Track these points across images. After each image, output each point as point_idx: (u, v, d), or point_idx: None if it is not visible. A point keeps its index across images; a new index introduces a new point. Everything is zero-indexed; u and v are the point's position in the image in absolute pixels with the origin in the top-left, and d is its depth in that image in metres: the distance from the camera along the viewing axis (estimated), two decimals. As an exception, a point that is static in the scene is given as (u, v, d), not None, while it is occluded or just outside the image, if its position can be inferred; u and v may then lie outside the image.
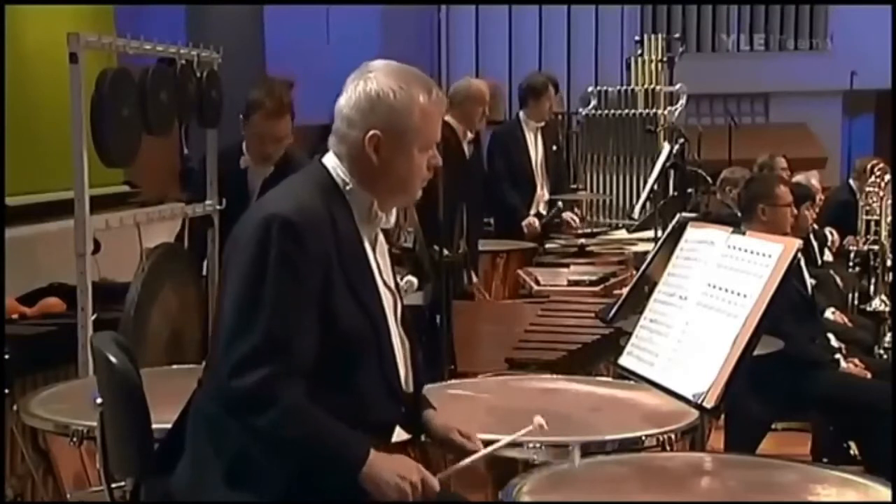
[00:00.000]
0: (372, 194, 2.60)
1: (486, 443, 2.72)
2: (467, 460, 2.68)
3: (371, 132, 2.54)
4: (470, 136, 6.72)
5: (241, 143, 4.82)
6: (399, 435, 2.72)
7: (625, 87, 8.34)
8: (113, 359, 2.72)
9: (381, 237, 2.71)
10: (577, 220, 7.37)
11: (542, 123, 7.21)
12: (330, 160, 2.62)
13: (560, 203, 7.24)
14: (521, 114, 7.24)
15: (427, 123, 2.58)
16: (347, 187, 2.59)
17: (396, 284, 2.76)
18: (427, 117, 2.58)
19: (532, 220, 6.92)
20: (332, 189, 2.58)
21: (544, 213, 7.19)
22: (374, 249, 2.65)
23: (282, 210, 2.46)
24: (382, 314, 2.61)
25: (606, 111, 8.20)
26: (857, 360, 5.11)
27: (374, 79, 2.56)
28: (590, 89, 8.47)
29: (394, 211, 2.70)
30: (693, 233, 3.10)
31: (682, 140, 5.78)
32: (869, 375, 5.06)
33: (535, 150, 7.17)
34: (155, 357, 4.22)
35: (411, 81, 2.58)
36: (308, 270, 2.44)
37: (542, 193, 7.17)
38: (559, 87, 7.51)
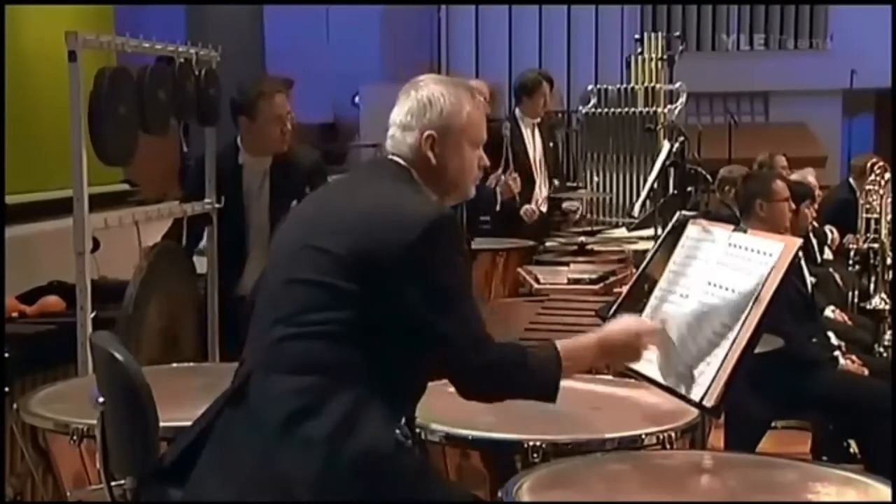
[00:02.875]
0: (434, 193, 2.78)
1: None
2: None
3: (427, 133, 2.76)
4: None
5: (235, 141, 4.84)
6: None
7: (625, 86, 8.34)
8: (118, 356, 2.72)
9: None
10: (577, 204, 7.35)
11: (538, 120, 7.20)
12: (396, 158, 2.79)
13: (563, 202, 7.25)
14: (517, 111, 7.24)
15: (475, 121, 2.82)
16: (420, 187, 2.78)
17: None
18: (474, 116, 2.81)
19: (532, 208, 6.91)
20: (416, 184, 2.77)
21: (543, 210, 7.18)
22: None
23: (437, 208, 2.66)
24: None
25: (606, 109, 8.20)
26: (853, 357, 5.11)
27: (424, 87, 2.80)
28: (590, 88, 8.47)
29: None
30: (694, 231, 3.10)
31: (681, 138, 5.76)
32: (866, 371, 5.06)
33: (533, 146, 7.17)
34: (152, 355, 4.22)
35: (458, 87, 2.84)
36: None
37: (541, 191, 7.16)
38: (553, 83, 7.49)
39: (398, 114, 2.80)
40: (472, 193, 2.91)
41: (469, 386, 2.69)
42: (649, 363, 2.92)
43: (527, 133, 7.14)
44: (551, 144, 7.31)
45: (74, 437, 3.02)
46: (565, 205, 7.33)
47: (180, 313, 4.57)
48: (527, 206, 6.89)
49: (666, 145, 6.20)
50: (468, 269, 2.77)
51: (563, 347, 2.75)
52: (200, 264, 4.91)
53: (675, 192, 6.23)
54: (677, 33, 10.09)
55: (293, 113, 4.81)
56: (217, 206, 4.80)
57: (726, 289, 2.82)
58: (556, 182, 7.33)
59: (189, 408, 2.88)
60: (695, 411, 2.89)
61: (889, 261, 7.08)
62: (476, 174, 2.88)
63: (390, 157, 2.80)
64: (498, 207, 6.60)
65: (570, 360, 2.75)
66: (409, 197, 2.70)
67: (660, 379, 2.87)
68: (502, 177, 6.63)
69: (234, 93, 4.80)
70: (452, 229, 2.67)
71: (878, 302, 6.86)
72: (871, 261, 7.22)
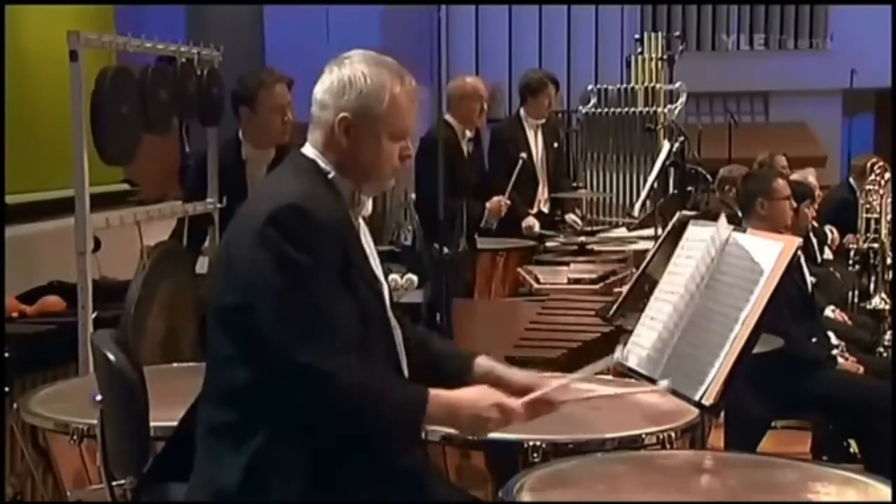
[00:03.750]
0: (350, 180, 2.64)
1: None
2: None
3: (341, 115, 2.60)
4: (469, 134, 6.71)
5: (236, 135, 4.85)
6: None
7: (625, 86, 8.33)
8: (112, 357, 2.72)
9: (363, 225, 2.75)
10: (580, 222, 7.35)
11: (542, 120, 7.20)
12: (309, 150, 2.66)
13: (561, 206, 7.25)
14: (522, 111, 7.24)
15: (397, 111, 2.62)
16: (330, 175, 2.63)
17: (384, 273, 2.81)
18: (397, 105, 2.62)
19: (532, 223, 6.91)
20: (320, 176, 2.62)
21: (546, 211, 7.18)
22: (361, 235, 2.70)
23: (290, 199, 2.49)
24: (383, 297, 2.68)
25: (606, 109, 8.19)
26: (846, 355, 5.11)
27: (348, 65, 2.63)
28: (590, 87, 8.46)
29: (370, 200, 2.74)
30: (694, 231, 3.11)
31: (681, 138, 5.79)
32: (861, 369, 5.06)
33: (537, 147, 7.16)
34: (154, 355, 4.22)
35: (384, 69, 2.63)
36: (329, 252, 2.48)
37: (543, 191, 7.16)
38: (559, 85, 7.49)
39: (318, 90, 2.64)
40: (390, 185, 2.74)
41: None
42: (651, 362, 2.92)
43: (530, 134, 7.14)
44: (555, 145, 7.30)
45: (74, 437, 3.03)
46: (568, 218, 7.32)
47: (181, 313, 4.57)
48: (527, 220, 6.88)
49: (666, 145, 6.22)
50: (325, 260, 2.48)
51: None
52: (203, 264, 4.92)
53: (675, 191, 6.25)
54: (677, 33, 10.08)
55: (293, 104, 4.82)
56: (219, 205, 4.81)
57: (725, 288, 2.82)
58: (561, 184, 7.34)
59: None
60: (695, 411, 2.89)
61: (889, 261, 7.08)
62: (395, 166, 2.68)
63: (302, 152, 2.66)
64: (482, 224, 6.61)
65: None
66: (285, 186, 2.57)
67: (659, 378, 2.87)
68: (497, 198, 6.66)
69: (235, 86, 4.81)
70: (297, 217, 2.46)
71: (879, 302, 6.86)
72: (871, 261, 7.22)
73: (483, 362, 2.83)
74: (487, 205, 6.70)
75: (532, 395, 2.65)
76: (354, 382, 2.44)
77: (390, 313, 2.71)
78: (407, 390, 2.57)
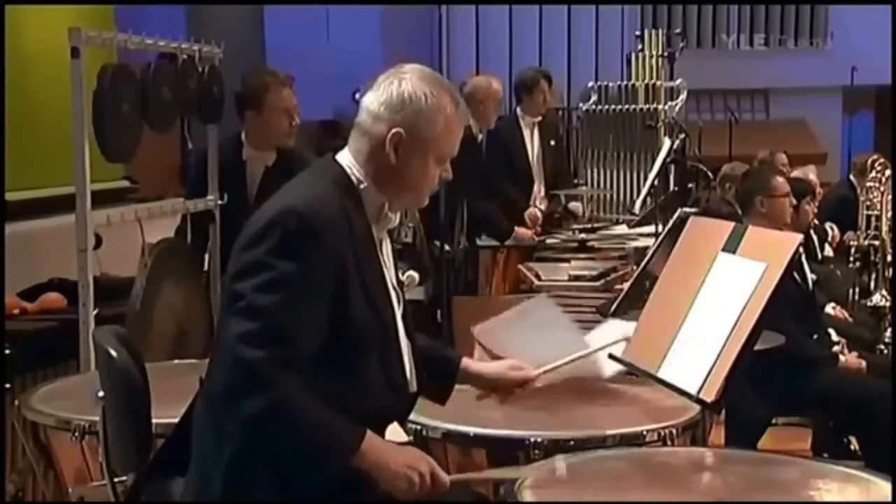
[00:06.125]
0: (383, 194, 2.61)
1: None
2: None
3: (395, 130, 2.56)
4: (482, 134, 6.71)
5: (238, 136, 4.84)
6: (399, 435, 2.74)
7: (625, 83, 8.33)
8: (113, 353, 2.73)
9: (386, 237, 2.73)
10: (581, 206, 7.36)
11: (539, 118, 7.19)
12: (344, 158, 2.63)
13: (563, 197, 7.25)
14: (518, 110, 7.23)
15: (449, 135, 2.62)
16: (362, 186, 2.59)
17: (400, 283, 2.78)
18: (450, 129, 2.61)
19: (534, 212, 6.91)
20: (347, 187, 2.58)
21: (542, 207, 7.17)
22: (380, 249, 2.67)
23: (296, 205, 2.46)
24: (391, 312, 2.63)
25: (607, 106, 8.19)
26: (845, 351, 5.11)
27: (408, 80, 2.60)
28: (590, 85, 8.45)
29: (397, 214, 2.72)
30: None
31: (682, 135, 5.78)
32: (864, 365, 5.06)
33: (533, 145, 7.16)
34: (159, 352, 4.23)
35: (443, 90, 2.62)
36: (321, 264, 2.44)
37: (539, 189, 7.15)
38: (552, 80, 7.47)
39: (372, 100, 2.60)
40: (425, 203, 2.73)
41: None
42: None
43: (526, 133, 7.14)
44: (552, 142, 7.30)
45: (76, 434, 3.03)
46: (571, 205, 7.33)
47: (186, 309, 4.57)
48: (530, 211, 6.88)
49: (666, 142, 6.23)
50: (315, 276, 2.43)
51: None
52: (206, 261, 4.93)
53: (676, 188, 6.26)
54: (678, 30, 10.08)
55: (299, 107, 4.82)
56: (220, 202, 4.81)
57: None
58: (562, 181, 7.34)
59: (191, 404, 2.88)
60: (696, 407, 2.89)
61: (889, 258, 7.07)
62: (433, 187, 2.68)
63: (335, 158, 2.63)
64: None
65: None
66: (301, 192, 2.52)
67: (660, 375, 2.87)
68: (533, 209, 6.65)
69: (239, 86, 4.79)
70: (300, 225, 2.42)
71: (879, 299, 6.85)
72: (872, 258, 7.22)
73: (464, 366, 2.92)
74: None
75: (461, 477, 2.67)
76: (288, 397, 2.37)
77: (401, 329, 2.67)
78: (342, 420, 2.43)
